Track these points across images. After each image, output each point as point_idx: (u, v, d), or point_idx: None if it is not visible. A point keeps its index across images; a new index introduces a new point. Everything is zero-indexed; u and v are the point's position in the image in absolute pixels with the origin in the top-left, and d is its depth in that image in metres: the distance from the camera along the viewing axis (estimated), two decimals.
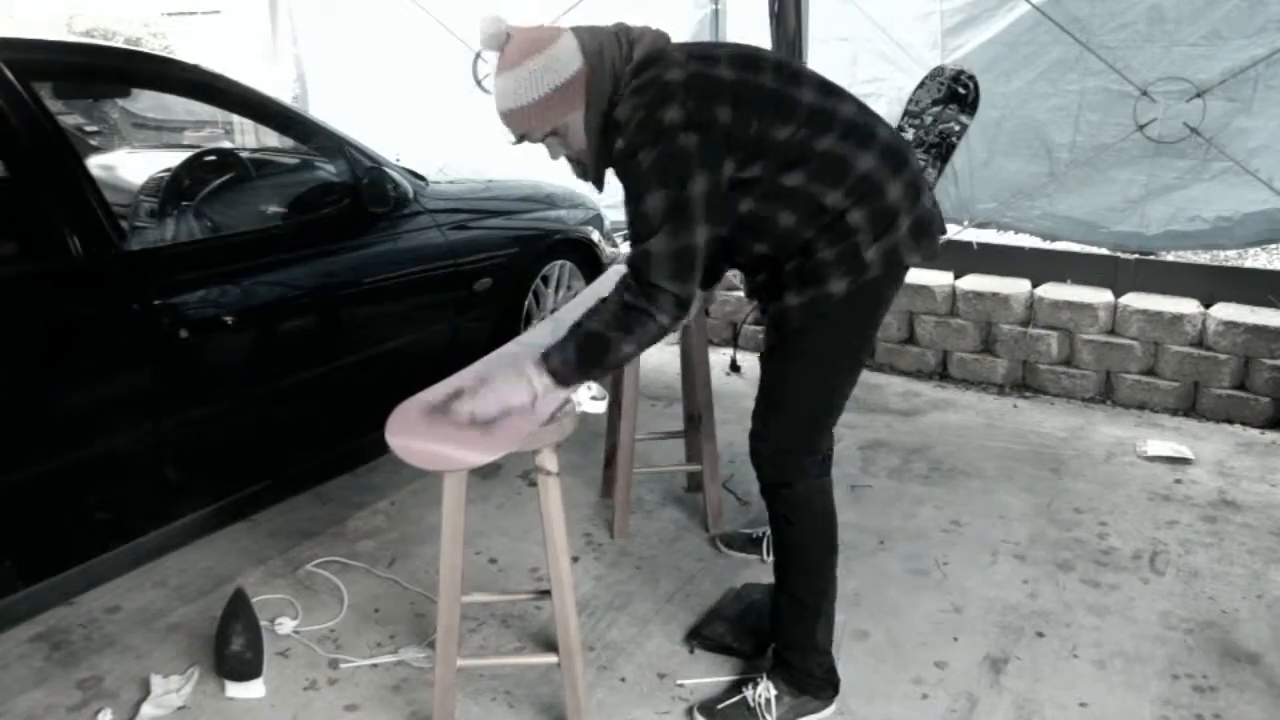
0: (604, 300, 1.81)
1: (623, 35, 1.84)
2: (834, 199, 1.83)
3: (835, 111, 1.86)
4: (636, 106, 1.74)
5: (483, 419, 1.79)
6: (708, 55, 1.85)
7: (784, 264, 1.90)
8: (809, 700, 2.05)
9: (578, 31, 1.81)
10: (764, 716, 2.01)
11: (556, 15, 4.38)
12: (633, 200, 1.77)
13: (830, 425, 2.03)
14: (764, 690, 2.03)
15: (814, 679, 2.05)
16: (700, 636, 2.28)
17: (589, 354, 1.80)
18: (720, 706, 2.05)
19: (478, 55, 4.74)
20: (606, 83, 1.80)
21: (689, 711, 2.08)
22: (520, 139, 1.87)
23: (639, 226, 1.76)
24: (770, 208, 1.84)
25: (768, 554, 2.57)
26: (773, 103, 1.80)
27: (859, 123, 1.87)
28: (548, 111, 1.79)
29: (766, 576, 2.54)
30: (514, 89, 1.77)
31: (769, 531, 2.27)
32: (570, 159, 1.93)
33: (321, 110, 4.01)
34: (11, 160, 2.19)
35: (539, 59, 1.75)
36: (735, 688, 2.08)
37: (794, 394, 1.98)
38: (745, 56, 1.87)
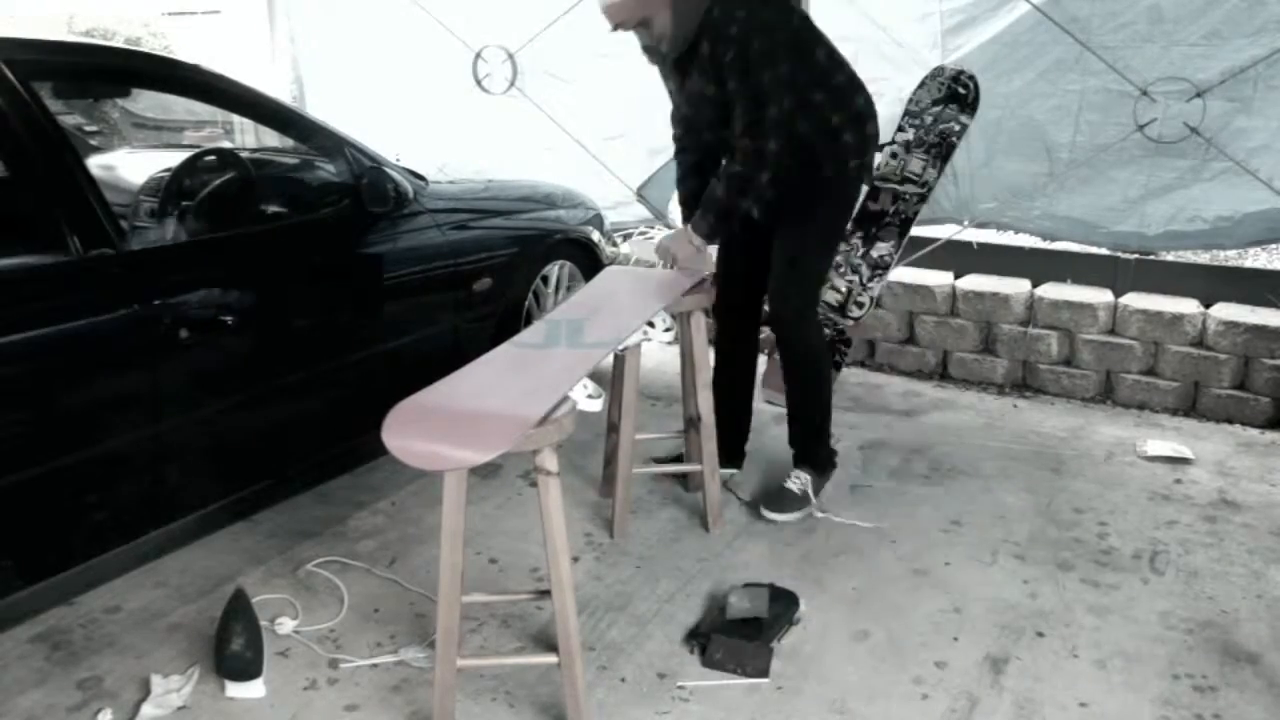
0: (718, 177, 2.61)
1: None
2: (837, 120, 2.64)
3: (842, 60, 2.70)
4: (743, 8, 2.43)
5: (685, 266, 2.73)
6: None
7: (793, 161, 2.59)
8: (821, 477, 2.96)
9: None
10: (808, 494, 2.89)
11: (555, 16, 4.38)
12: (743, 76, 2.45)
13: (824, 280, 3.17)
14: (799, 478, 2.91)
15: (824, 460, 2.98)
16: (704, 653, 2.27)
17: (720, 213, 2.62)
18: (776, 499, 2.89)
19: (478, 55, 4.74)
20: None
21: (757, 510, 2.89)
22: (615, 27, 2.53)
23: (749, 104, 2.46)
24: (799, 112, 2.54)
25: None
26: (814, 31, 2.66)
27: (852, 76, 2.71)
28: (641, 5, 2.46)
29: (766, 574, 2.55)
30: None
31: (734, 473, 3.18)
32: (646, 47, 2.60)
33: (321, 110, 4.01)
34: (11, 160, 2.19)
35: None
36: (780, 486, 2.93)
37: (809, 255, 2.79)
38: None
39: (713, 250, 2.89)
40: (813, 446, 2.94)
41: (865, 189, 2.89)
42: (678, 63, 2.62)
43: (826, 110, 2.61)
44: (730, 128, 2.55)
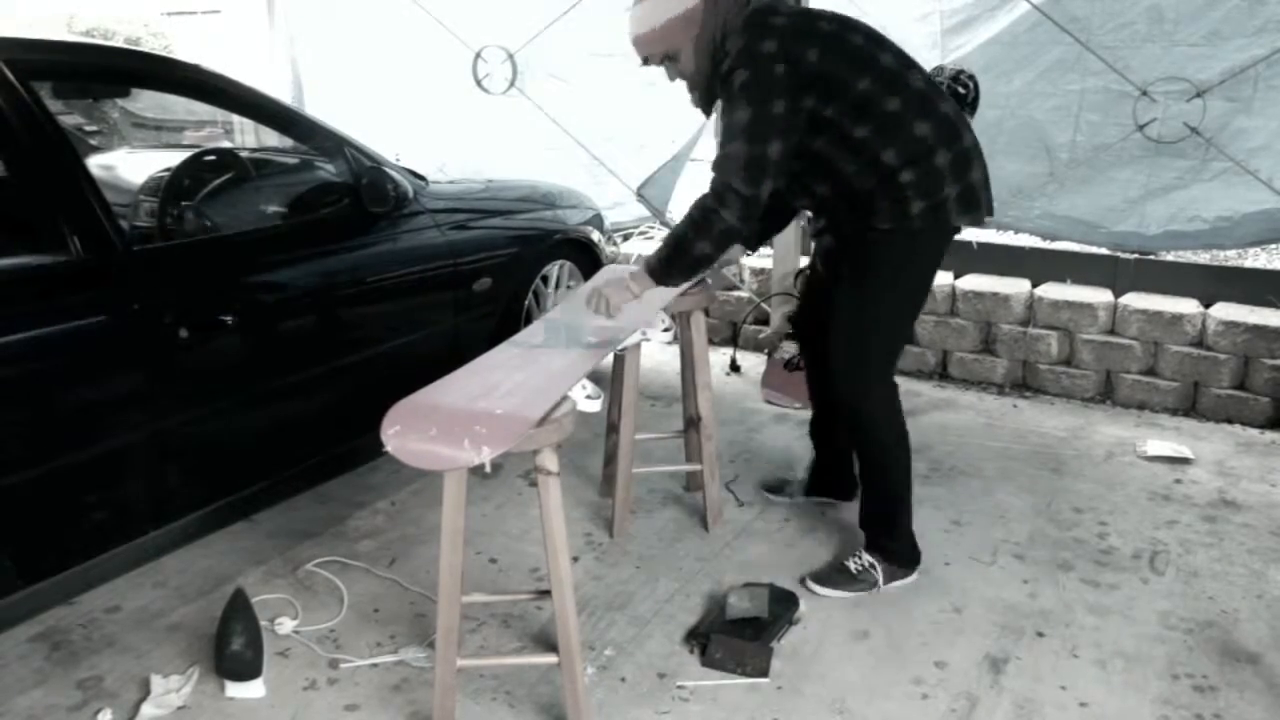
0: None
1: None
2: (889, 156, 2.19)
3: (906, 79, 2.22)
4: (742, 39, 2.13)
5: (614, 313, 2.31)
6: (814, 13, 2.30)
7: (844, 207, 2.30)
8: (897, 569, 2.54)
9: None
10: (870, 576, 2.51)
11: (556, 15, 4.38)
12: (725, 114, 2.15)
13: (895, 357, 2.49)
14: (865, 561, 2.53)
15: (901, 554, 2.55)
16: (705, 653, 2.27)
17: (671, 250, 2.22)
18: (826, 574, 2.54)
19: (478, 55, 4.74)
20: (719, 17, 2.19)
21: (801, 580, 2.54)
22: (645, 61, 2.31)
23: (725, 136, 2.14)
24: (838, 151, 2.21)
25: (801, 494, 3.02)
26: (858, 56, 2.19)
27: (924, 94, 2.23)
28: (667, 36, 2.23)
29: (766, 574, 2.55)
30: (643, 16, 2.23)
31: (807, 474, 3.02)
32: (684, 80, 2.34)
33: (320, 110, 4.00)
34: (11, 160, 2.19)
35: None
36: (838, 561, 2.58)
37: (866, 328, 2.36)
38: (844, 19, 2.29)
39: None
40: (880, 539, 2.56)
41: (959, 231, 2.36)
42: None
43: (874, 147, 2.18)
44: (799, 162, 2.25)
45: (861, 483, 2.61)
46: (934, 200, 2.21)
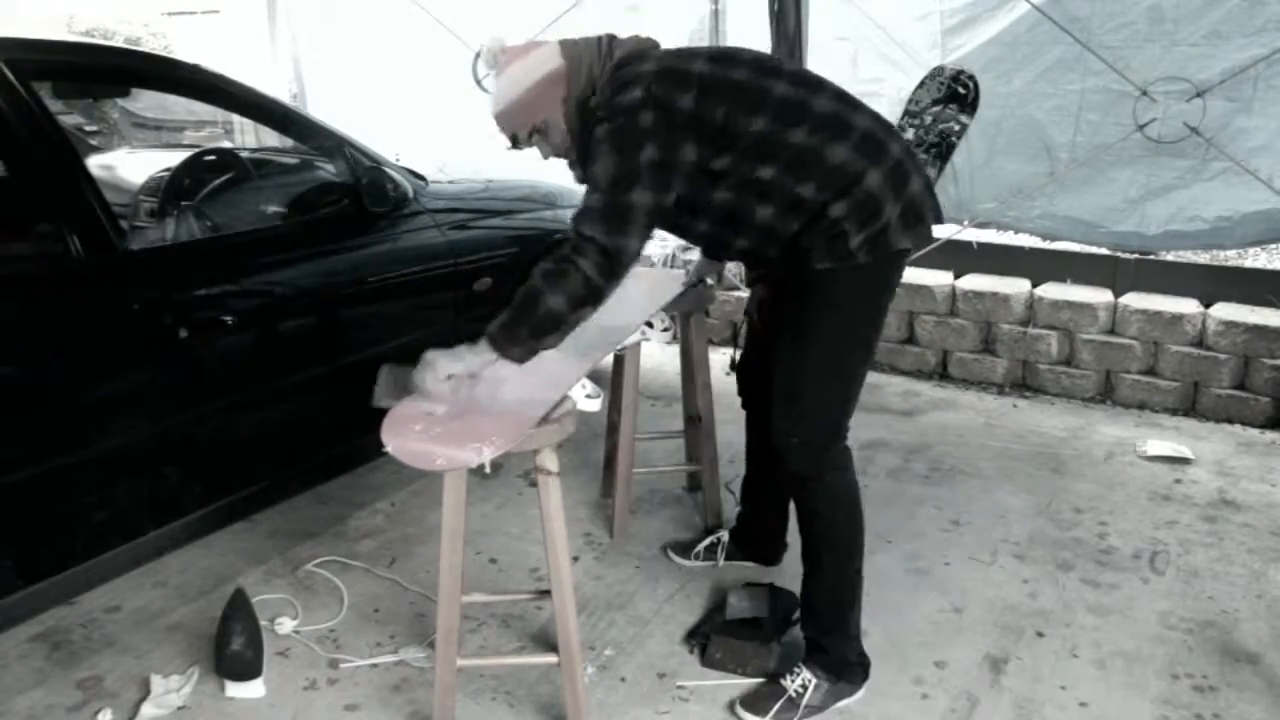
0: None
1: (605, 40, 1.99)
2: (809, 191, 1.89)
3: (808, 104, 1.91)
4: (607, 94, 1.89)
5: (435, 396, 1.88)
6: (687, 53, 2.00)
7: (774, 254, 2.00)
8: (844, 685, 2.13)
9: (563, 40, 1.97)
10: (814, 697, 2.09)
11: (556, 15, 4.38)
12: (589, 160, 1.90)
13: (848, 413, 2.10)
14: (803, 679, 2.11)
15: (849, 664, 2.14)
16: (705, 653, 2.27)
17: (517, 309, 1.87)
18: (760, 699, 2.11)
19: (478, 55, 4.73)
20: (584, 77, 1.93)
21: (730, 706, 2.12)
22: (513, 141, 2.00)
23: (588, 190, 1.89)
24: (746, 199, 1.92)
25: (721, 558, 2.68)
26: (742, 93, 1.89)
27: (834, 115, 1.92)
28: (530, 108, 1.93)
29: (766, 574, 2.55)
30: (501, 90, 1.95)
31: (723, 536, 2.68)
32: (559, 155, 2.04)
33: (321, 110, 4.01)
34: (12, 160, 2.19)
35: (521, 62, 1.93)
36: (773, 680, 2.15)
37: (811, 381, 2.03)
38: (723, 53, 2.06)
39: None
40: (824, 643, 2.15)
41: (911, 253, 2.02)
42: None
43: (788, 185, 1.88)
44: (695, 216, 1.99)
45: (805, 567, 2.18)
46: (874, 228, 1.89)
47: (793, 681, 2.11)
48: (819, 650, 2.14)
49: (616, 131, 1.85)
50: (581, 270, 1.82)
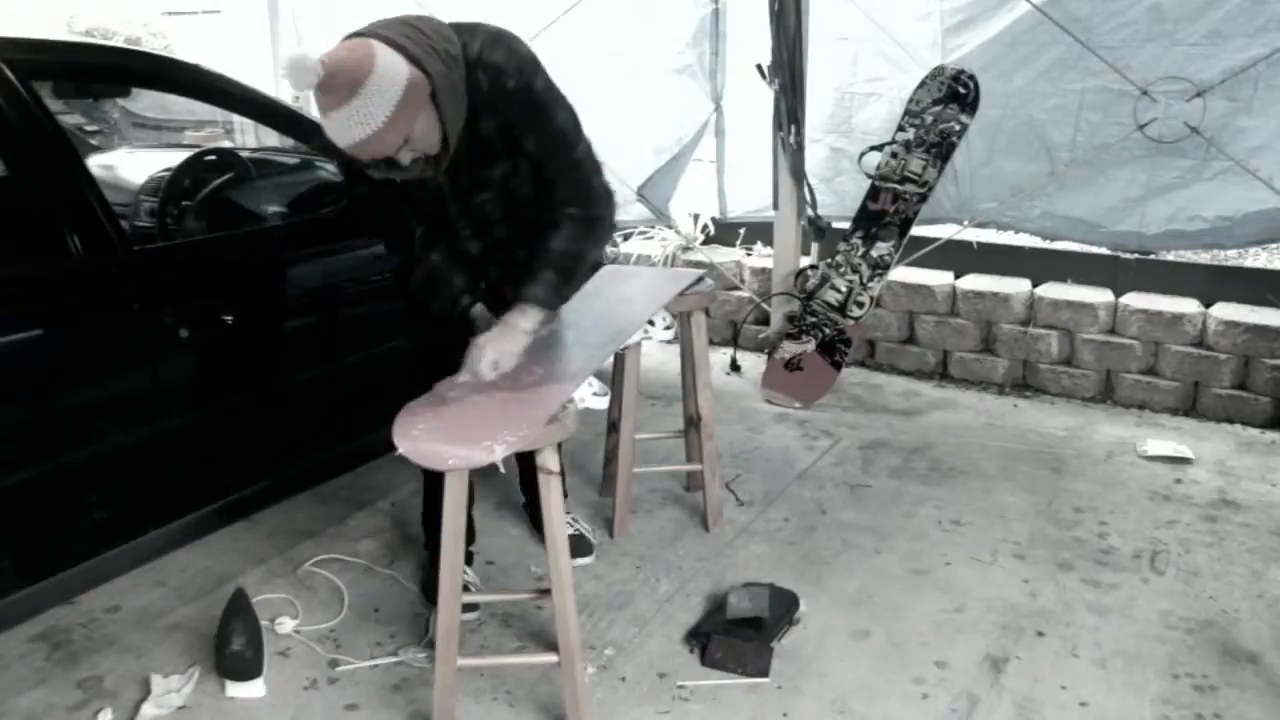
0: (555, 226, 2.00)
1: (414, 18, 1.85)
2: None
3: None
4: (508, 58, 1.88)
5: (504, 370, 1.95)
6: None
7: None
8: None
9: (385, 41, 1.75)
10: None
11: (555, 15, 4.38)
12: (544, 122, 1.94)
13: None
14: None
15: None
16: (705, 653, 2.27)
17: (567, 272, 2.01)
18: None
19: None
20: (437, 60, 1.78)
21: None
22: (372, 164, 1.82)
23: (559, 142, 1.96)
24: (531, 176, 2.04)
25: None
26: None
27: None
28: (399, 125, 1.74)
29: (766, 574, 2.55)
30: (361, 119, 1.71)
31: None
32: (429, 151, 1.87)
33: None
34: (12, 160, 2.19)
35: (369, 84, 1.70)
36: None
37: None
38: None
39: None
40: None
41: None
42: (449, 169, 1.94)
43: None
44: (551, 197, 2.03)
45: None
46: None
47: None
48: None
49: (550, 83, 1.94)
50: (604, 218, 2.02)
